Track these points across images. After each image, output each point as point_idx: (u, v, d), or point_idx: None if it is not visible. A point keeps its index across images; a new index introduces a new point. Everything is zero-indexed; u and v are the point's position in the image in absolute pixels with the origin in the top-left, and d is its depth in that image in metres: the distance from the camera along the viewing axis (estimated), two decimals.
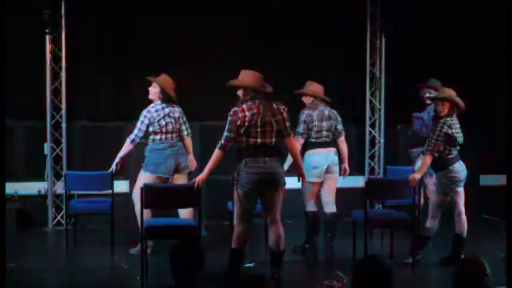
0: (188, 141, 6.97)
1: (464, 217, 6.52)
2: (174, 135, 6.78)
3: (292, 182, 7.13)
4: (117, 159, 6.75)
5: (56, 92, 8.21)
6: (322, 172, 6.80)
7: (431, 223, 6.42)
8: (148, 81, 6.84)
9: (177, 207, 6.61)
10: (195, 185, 5.62)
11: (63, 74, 8.17)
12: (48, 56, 8.06)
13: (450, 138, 6.25)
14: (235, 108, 5.53)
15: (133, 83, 8.29)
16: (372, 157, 9.04)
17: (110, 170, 6.80)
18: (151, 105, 6.77)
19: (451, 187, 6.35)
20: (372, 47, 8.91)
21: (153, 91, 6.81)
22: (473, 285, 3.42)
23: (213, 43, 8.46)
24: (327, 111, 6.94)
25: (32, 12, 7.83)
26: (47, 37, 8.00)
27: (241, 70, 5.80)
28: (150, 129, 6.67)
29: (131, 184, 8.00)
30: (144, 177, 6.58)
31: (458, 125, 6.37)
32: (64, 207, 7.85)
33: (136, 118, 6.81)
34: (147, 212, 6.19)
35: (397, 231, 6.80)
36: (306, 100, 6.94)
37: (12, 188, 7.90)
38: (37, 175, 8.24)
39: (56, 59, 8.15)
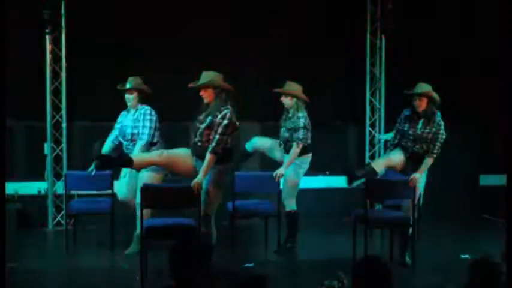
0: None
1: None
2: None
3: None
4: None
5: (56, 92, 8.21)
6: None
7: None
8: (121, 90, 6.80)
9: (177, 208, 6.59)
10: (196, 189, 5.71)
11: (63, 74, 8.17)
12: (48, 56, 8.07)
13: None
14: (229, 113, 5.71)
15: None
16: (372, 157, 9.04)
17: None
18: (144, 107, 6.76)
19: None
20: (371, 47, 8.91)
21: (130, 97, 6.77)
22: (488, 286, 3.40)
23: (213, 43, 8.46)
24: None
25: (32, 12, 7.83)
26: (47, 37, 8.00)
27: (203, 71, 5.98)
28: None
29: None
30: (150, 177, 6.58)
31: None
32: (64, 207, 7.85)
33: None
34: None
35: (397, 231, 6.78)
36: (287, 101, 6.85)
37: (12, 188, 7.90)
38: (37, 175, 8.24)
39: (56, 59, 8.15)
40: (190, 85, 5.95)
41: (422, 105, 6.41)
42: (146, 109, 6.75)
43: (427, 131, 6.39)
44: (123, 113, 6.91)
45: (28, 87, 8.14)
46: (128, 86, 6.76)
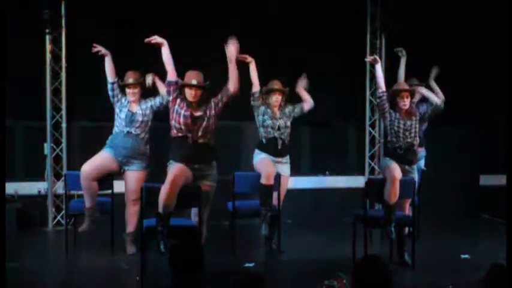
0: None
1: None
2: None
3: (292, 182, 7.17)
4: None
5: (56, 92, 8.21)
6: None
7: None
8: (125, 85, 6.79)
9: (177, 208, 6.59)
10: None
11: (63, 74, 8.17)
12: (48, 56, 8.07)
13: None
14: None
15: None
16: (372, 157, 9.04)
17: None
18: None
19: None
20: (372, 47, 8.91)
21: (135, 91, 6.77)
22: None
23: (213, 43, 8.45)
24: None
25: (32, 12, 7.83)
26: (47, 37, 8.00)
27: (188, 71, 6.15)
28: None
29: None
30: (135, 175, 6.69)
31: None
32: (64, 207, 7.85)
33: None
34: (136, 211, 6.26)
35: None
36: (280, 98, 6.97)
37: (12, 188, 7.91)
38: (37, 175, 8.24)
39: (56, 59, 8.15)
40: (200, 83, 6.04)
41: (407, 102, 6.40)
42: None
43: (414, 121, 6.41)
44: (124, 102, 6.86)
45: (28, 87, 8.14)
46: (131, 80, 6.75)
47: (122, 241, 6.79)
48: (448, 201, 8.90)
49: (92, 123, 8.43)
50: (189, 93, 5.97)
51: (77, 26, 8.12)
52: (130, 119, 6.73)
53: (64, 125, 8.23)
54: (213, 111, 6.00)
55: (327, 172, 9.00)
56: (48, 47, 8.06)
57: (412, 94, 6.48)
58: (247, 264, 6.25)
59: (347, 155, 9.17)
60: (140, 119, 6.73)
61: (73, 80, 8.26)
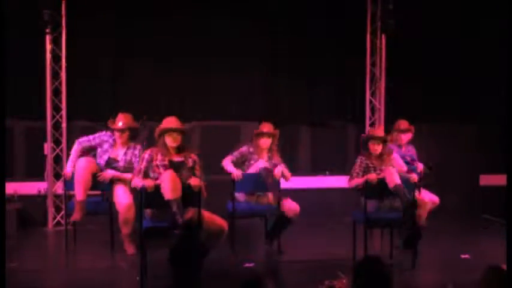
0: None
1: None
2: None
3: (292, 182, 7.16)
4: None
5: (56, 92, 8.21)
6: None
7: None
8: (114, 128, 6.75)
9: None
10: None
11: (63, 74, 8.17)
12: (48, 56, 8.06)
13: None
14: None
15: (133, 83, 8.30)
16: None
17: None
18: (136, 147, 6.77)
19: None
20: (372, 47, 8.91)
21: (123, 135, 6.75)
22: None
23: (214, 43, 8.47)
24: None
25: (32, 12, 7.82)
26: (47, 37, 8.00)
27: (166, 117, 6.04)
28: None
29: None
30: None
31: None
32: (64, 207, 7.85)
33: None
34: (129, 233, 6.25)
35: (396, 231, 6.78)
36: (268, 142, 6.94)
37: (12, 188, 7.90)
38: (37, 175, 8.24)
39: (56, 59, 8.15)
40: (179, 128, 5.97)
41: (378, 149, 6.50)
42: (139, 149, 6.76)
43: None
44: (109, 140, 6.84)
45: (28, 87, 8.14)
46: (120, 124, 6.75)
47: (122, 241, 6.79)
48: (448, 201, 8.90)
49: (92, 123, 8.43)
50: (170, 139, 5.94)
51: (77, 26, 8.12)
52: (111, 165, 6.75)
53: (64, 125, 8.22)
54: (193, 165, 5.96)
55: (327, 172, 9.00)
56: (48, 47, 8.05)
57: (381, 142, 6.53)
58: (247, 264, 6.24)
59: (347, 155, 9.16)
60: (122, 170, 6.72)
61: (73, 80, 8.25)
